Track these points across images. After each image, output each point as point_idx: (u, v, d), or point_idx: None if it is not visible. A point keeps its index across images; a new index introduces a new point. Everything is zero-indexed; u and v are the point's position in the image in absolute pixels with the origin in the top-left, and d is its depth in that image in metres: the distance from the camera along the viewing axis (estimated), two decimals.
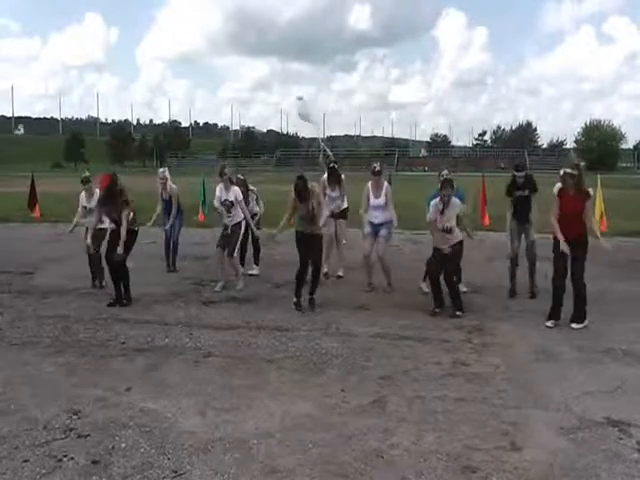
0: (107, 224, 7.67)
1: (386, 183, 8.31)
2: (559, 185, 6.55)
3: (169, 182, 9.53)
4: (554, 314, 6.51)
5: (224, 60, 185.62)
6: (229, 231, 8.30)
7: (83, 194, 8.57)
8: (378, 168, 8.15)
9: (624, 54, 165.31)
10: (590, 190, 6.54)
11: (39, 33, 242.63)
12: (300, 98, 8.28)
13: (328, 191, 8.69)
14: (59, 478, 3.44)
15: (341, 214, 8.88)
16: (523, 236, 7.74)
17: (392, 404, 4.45)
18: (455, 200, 7.14)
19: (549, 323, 6.48)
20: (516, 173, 7.65)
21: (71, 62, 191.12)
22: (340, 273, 9.00)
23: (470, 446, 3.79)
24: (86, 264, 8.33)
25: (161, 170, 9.76)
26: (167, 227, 9.52)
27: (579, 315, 6.41)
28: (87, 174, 8.72)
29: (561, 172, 6.48)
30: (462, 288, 7.59)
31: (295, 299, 7.25)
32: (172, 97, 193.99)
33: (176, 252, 9.69)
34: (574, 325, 6.36)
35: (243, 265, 8.99)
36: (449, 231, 7.03)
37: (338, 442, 3.85)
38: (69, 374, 5.07)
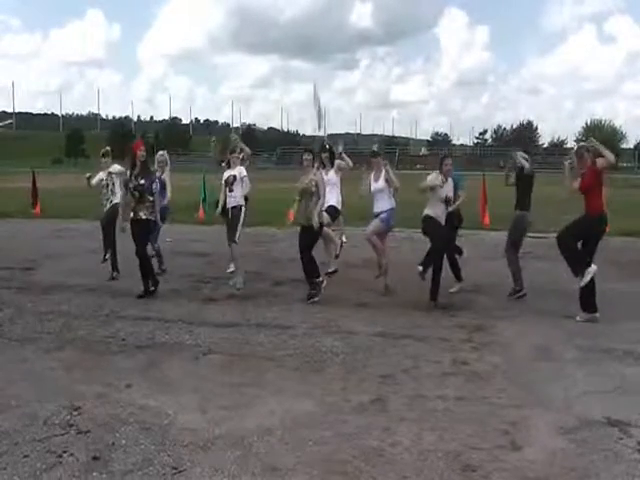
0: (144, 214, 7.48)
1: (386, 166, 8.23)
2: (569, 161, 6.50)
3: (167, 168, 8.86)
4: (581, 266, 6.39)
5: (225, 57, 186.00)
6: (230, 215, 8.17)
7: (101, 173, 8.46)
8: (375, 149, 8.01)
9: (625, 53, 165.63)
10: (598, 160, 6.36)
11: (40, 29, 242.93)
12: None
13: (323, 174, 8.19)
14: (59, 474, 3.44)
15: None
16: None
17: (392, 403, 4.45)
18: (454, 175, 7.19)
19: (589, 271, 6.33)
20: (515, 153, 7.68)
21: (72, 58, 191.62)
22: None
23: (470, 445, 3.79)
24: (86, 261, 8.34)
25: (160, 153, 9.07)
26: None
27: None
28: (107, 148, 8.65)
29: (575, 147, 6.42)
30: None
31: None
32: (173, 94, 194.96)
33: (154, 249, 8.71)
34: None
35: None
36: (449, 202, 7.07)
37: (338, 440, 3.85)
38: (69, 370, 5.07)
